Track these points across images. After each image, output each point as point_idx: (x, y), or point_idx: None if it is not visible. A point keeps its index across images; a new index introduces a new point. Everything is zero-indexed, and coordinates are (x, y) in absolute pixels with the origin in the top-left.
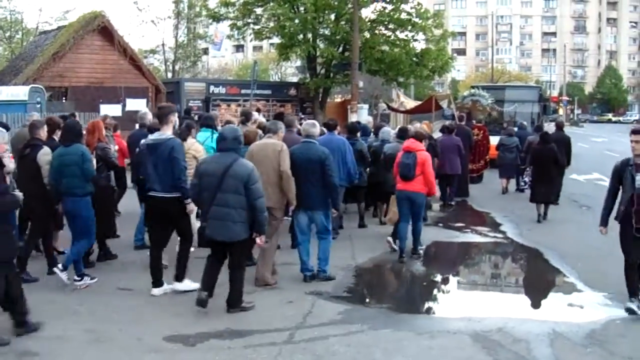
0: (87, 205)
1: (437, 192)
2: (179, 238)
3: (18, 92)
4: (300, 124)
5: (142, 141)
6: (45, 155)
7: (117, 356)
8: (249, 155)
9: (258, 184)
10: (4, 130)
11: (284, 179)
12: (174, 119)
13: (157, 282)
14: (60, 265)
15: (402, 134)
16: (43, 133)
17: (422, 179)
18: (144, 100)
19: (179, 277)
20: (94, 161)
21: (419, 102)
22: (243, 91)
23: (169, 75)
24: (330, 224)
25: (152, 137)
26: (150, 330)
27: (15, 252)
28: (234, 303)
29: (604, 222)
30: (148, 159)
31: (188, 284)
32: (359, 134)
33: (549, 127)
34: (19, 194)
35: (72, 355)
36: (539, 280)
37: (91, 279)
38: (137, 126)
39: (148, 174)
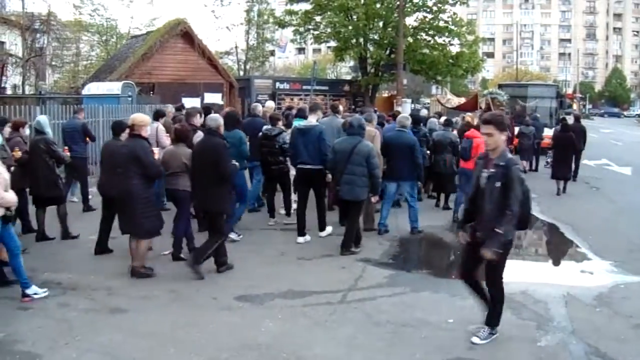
0: (242, 177)
1: None
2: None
3: (112, 87)
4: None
5: (295, 125)
6: (198, 138)
7: (195, 313)
8: None
9: (375, 159)
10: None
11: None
12: (321, 112)
13: (301, 232)
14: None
15: (448, 123)
16: (197, 120)
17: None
18: (219, 95)
19: (322, 228)
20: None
21: (463, 99)
22: (304, 87)
23: (241, 73)
24: (416, 192)
25: (302, 123)
26: (223, 291)
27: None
28: (347, 245)
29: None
30: (299, 139)
31: (329, 230)
32: (421, 124)
33: (569, 119)
34: (236, 163)
35: (157, 311)
36: (556, 250)
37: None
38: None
39: (299, 151)
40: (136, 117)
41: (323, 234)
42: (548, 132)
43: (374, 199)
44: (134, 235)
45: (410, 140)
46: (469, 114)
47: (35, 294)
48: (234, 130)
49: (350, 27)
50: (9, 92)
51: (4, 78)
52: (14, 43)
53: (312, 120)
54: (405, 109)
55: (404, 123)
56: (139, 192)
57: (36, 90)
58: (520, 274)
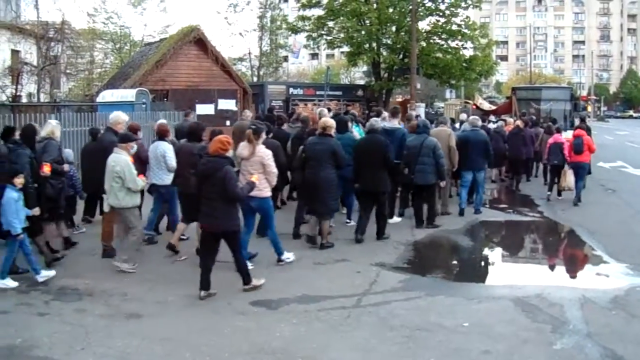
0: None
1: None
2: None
3: (126, 94)
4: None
5: (380, 126)
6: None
7: (210, 318)
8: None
9: (440, 150)
10: None
11: (452, 152)
12: (400, 115)
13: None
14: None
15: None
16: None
17: (588, 153)
18: (234, 101)
19: (391, 215)
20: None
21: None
22: (318, 92)
23: (255, 79)
24: (484, 180)
25: (387, 124)
26: (239, 296)
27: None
28: (431, 220)
29: None
30: (386, 138)
31: (395, 219)
32: (457, 125)
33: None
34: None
35: (172, 316)
36: (571, 253)
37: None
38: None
39: None
40: (327, 121)
41: (391, 220)
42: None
43: (442, 184)
44: (321, 214)
45: (485, 137)
46: (493, 117)
47: (287, 258)
48: (346, 133)
49: (363, 32)
50: (24, 100)
51: (19, 86)
52: (29, 52)
53: (394, 122)
54: (418, 112)
55: (475, 123)
56: (332, 179)
57: (51, 98)
58: (536, 276)
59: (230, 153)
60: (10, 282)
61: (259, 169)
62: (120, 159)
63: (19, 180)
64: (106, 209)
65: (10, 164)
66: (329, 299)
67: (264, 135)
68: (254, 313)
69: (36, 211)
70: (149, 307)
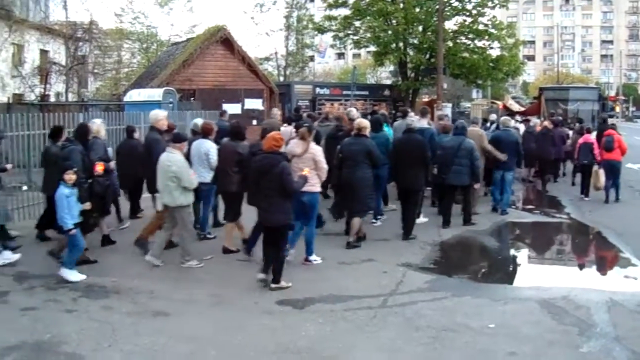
0: (386, 170)
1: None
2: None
3: (153, 93)
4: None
5: (417, 126)
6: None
7: (236, 317)
8: None
9: (477, 152)
10: None
11: (486, 150)
12: (429, 115)
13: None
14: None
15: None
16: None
17: (619, 151)
18: (260, 100)
19: (418, 215)
20: None
21: (522, 106)
22: (344, 92)
23: (281, 78)
24: (512, 184)
25: (417, 124)
26: (265, 295)
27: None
28: (467, 219)
29: None
30: None
31: (422, 219)
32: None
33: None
34: None
35: (199, 315)
36: (599, 255)
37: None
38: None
39: None
40: (362, 122)
41: (418, 221)
42: None
43: (476, 186)
44: (356, 212)
45: (516, 137)
46: (518, 117)
47: (315, 260)
48: (381, 132)
49: (389, 32)
50: (52, 99)
51: (47, 86)
52: (58, 52)
53: (423, 123)
54: (446, 113)
55: (507, 124)
56: (367, 178)
57: (79, 97)
58: (562, 278)
59: (282, 149)
60: (77, 276)
61: (310, 165)
62: (175, 159)
63: (69, 177)
64: (159, 207)
65: (62, 161)
66: (355, 298)
67: (313, 133)
68: (280, 312)
69: (87, 205)
70: (176, 305)
